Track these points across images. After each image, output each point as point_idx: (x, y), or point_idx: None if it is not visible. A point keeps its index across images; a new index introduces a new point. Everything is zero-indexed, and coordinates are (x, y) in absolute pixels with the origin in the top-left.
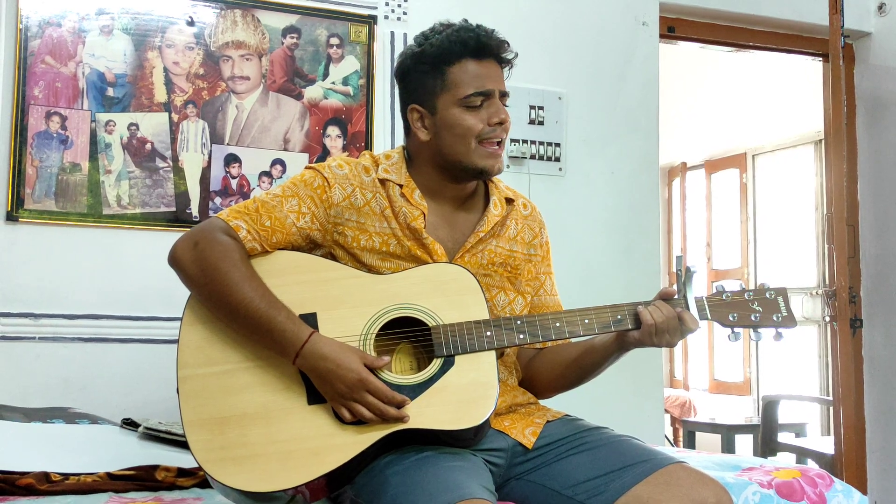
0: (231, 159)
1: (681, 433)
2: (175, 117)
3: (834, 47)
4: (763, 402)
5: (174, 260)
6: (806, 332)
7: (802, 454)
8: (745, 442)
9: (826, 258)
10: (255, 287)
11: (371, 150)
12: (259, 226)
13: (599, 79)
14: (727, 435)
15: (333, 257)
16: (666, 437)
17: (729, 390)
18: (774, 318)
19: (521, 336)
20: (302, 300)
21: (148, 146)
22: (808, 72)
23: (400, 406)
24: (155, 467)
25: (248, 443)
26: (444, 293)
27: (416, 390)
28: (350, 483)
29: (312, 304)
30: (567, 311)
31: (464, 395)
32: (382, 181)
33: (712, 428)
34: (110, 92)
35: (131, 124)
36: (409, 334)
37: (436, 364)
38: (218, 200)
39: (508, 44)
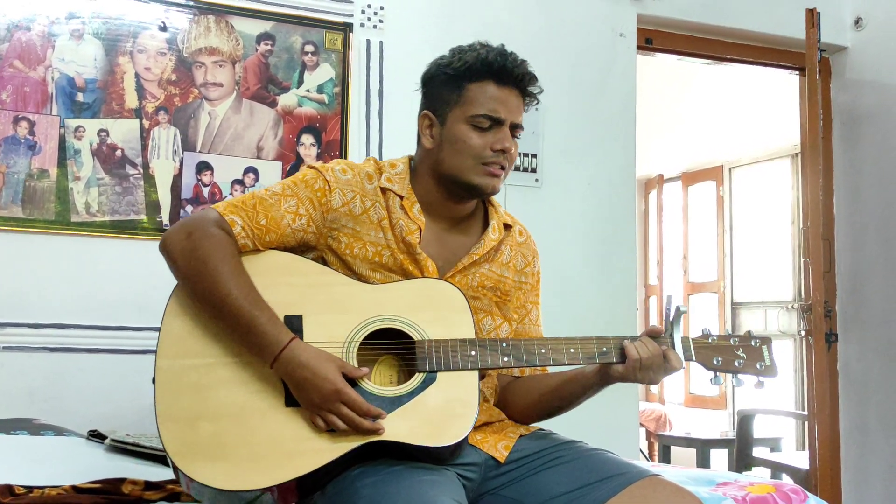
0: (203, 167)
1: (656, 447)
2: (146, 124)
3: (811, 61)
4: (738, 416)
5: (165, 247)
6: (781, 346)
7: (777, 469)
8: (720, 456)
9: (802, 272)
10: (241, 285)
11: (345, 158)
12: (254, 223)
13: (577, 89)
14: (702, 449)
15: (324, 261)
16: (641, 451)
17: (705, 404)
18: (757, 367)
19: (506, 359)
20: (289, 301)
21: (118, 153)
22: (784, 85)
23: (375, 418)
24: (121, 480)
25: (222, 440)
26: (433, 309)
27: (394, 403)
28: (321, 491)
29: (300, 306)
30: (553, 338)
31: (443, 412)
32: (384, 190)
33: (687, 442)
34: (80, 97)
35: (101, 130)
36: (393, 346)
37: (417, 379)
38: (189, 209)
39: (536, 78)
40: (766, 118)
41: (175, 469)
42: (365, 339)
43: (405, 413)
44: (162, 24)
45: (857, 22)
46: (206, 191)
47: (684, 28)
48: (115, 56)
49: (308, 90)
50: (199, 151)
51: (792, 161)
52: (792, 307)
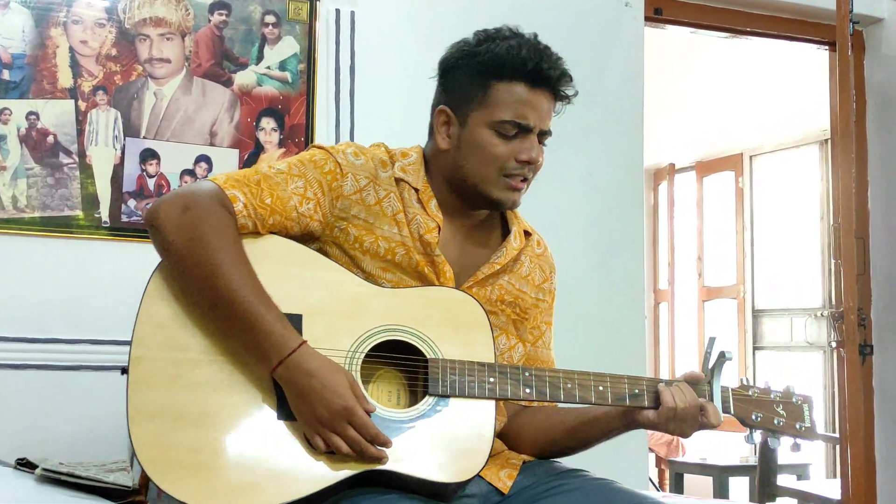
0: (148, 155)
1: (667, 475)
2: (82, 105)
3: (842, 34)
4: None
5: (154, 219)
6: (810, 359)
7: (805, 499)
8: (740, 485)
9: (832, 275)
10: (245, 275)
11: (312, 143)
12: (258, 201)
13: (575, 67)
14: (720, 477)
15: (327, 255)
16: (650, 479)
17: (722, 426)
18: (797, 427)
19: (528, 390)
20: (288, 297)
21: (50, 139)
22: (812, 62)
23: (382, 446)
24: None
25: (203, 450)
26: (450, 323)
27: (400, 427)
28: None
29: (299, 304)
30: (580, 372)
31: (454, 443)
32: (398, 181)
33: (703, 469)
34: (6, 75)
35: (30, 113)
36: (401, 361)
37: (428, 402)
38: (132, 203)
39: (571, 79)
40: (792, 100)
41: (145, 475)
42: (371, 350)
43: (411, 440)
44: None
45: None
46: (151, 182)
47: None
48: (46, 27)
49: (269, 67)
50: (144, 137)
51: (821, 148)
52: (821, 315)
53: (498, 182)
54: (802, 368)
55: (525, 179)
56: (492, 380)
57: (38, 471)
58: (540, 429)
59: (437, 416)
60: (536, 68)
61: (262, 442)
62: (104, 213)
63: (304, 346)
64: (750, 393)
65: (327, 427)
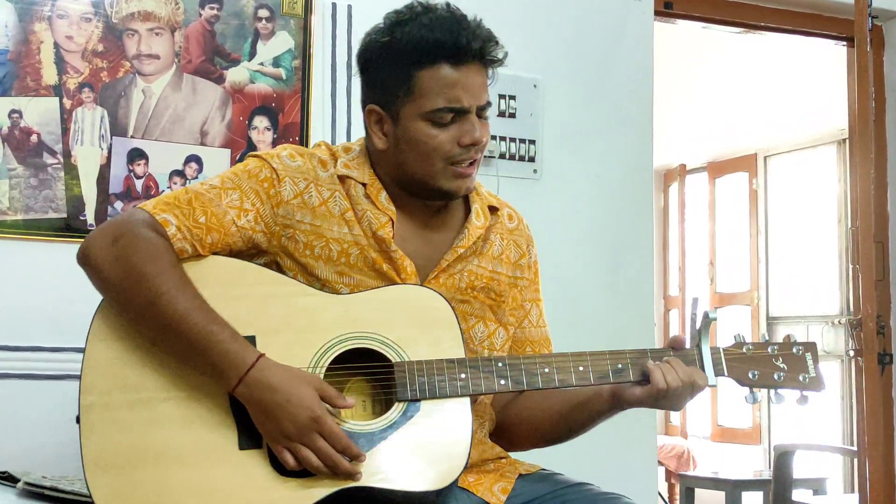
0: (136, 155)
1: (677, 490)
2: (67, 103)
3: (860, 29)
4: (775, 452)
5: (86, 257)
6: (826, 368)
7: None
8: (753, 500)
9: (850, 280)
10: (190, 297)
11: (307, 144)
12: (192, 222)
13: (582, 63)
14: (733, 492)
15: (279, 268)
16: (660, 494)
17: (735, 438)
18: (800, 379)
19: (503, 382)
20: (238, 319)
21: (33, 138)
22: (829, 58)
23: (354, 458)
24: None
25: (165, 492)
26: (413, 323)
27: (371, 439)
28: None
29: (251, 324)
30: (558, 354)
31: (429, 449)
32: (342, 178)
33: (715, 483)
34: None
35: (13, 111)
36: (366, 370)
37: (397, 409)
38: (119, 205)
39: (497, 41)
40: (808, 98)
41: None
42: (332, 362)
43: (384, 451)
44: None
45: None
46: (139, 184)
47: None
48: (29, 22)
49: (262, 63)
50: (132, 137)
51: (838, 148)
52: (838, 322)
53: (445, 172)
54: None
55: (473, 162)
56: (463, 376)
57: (20, 484)
58: (533, 418)
59: (409, 423)
60: (456, 45)
61: (226, 474)
62: (90, 215)
63: (262, 359)
64: (744, 350)
65: (296, 441)
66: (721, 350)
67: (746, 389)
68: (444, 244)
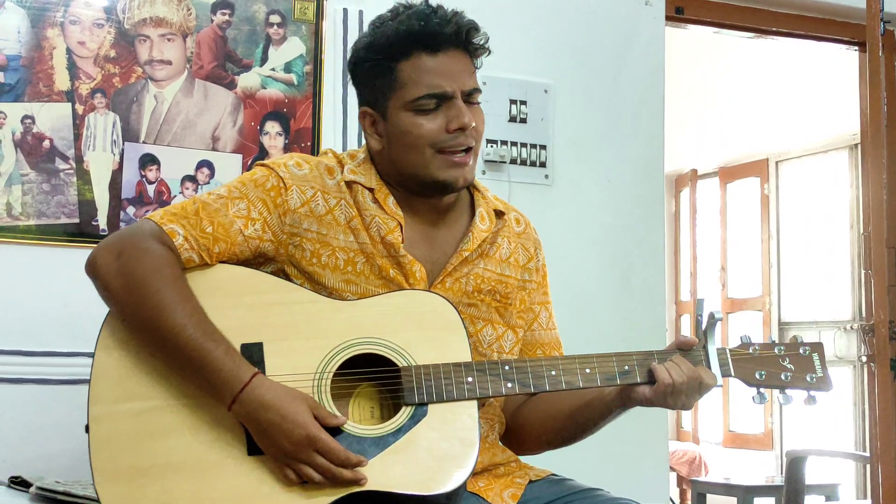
0: (147, 161)
1: (689, 495)
2: (80, 109)
3: (872, 34)
4: (787, 458)
5: (92, 269)
6: (839, 374)
7: None
8: None
9: (862, 286)
10: (189, 312)
11: (318, 149)
12: (199, 232)
13: (594, 68)
14: (745, 498)
15: (286, 276)
16: (671, 500)
17: (747, 444)
18: (808, 379)
19: (510, 385)
20: (245, 327)
21: (46, 144)
22: (841, 63)
23: (356, 467)
24: None
25: (172, 500)
26: (420, 327)
27: (379, 444)
28: None
29: (258, 332)
30: (565, 357)
31: (437, 452)
32: (349, 184)
33: (727, 489)
34: (0, 77)
35: (26, 117)
36: (373, 375)
37: (405, 413)
38: (131, 210)
39: (476, 28)
40: (819, 102)
41: None
42: (339, 367)
43: (392, 455)
44: None
45: None
46: (151, 189)
47: None
48: (42, 28)
49: (273, 69)
50: (144, 142)
51: (850, 153)
52: (851, 328)
53: (435, 161)
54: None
55: (468, 150)
56: (470, 379)
57: (32, 489)
58: (543, 419)
59: (417, 427)
60: (428, 32)
61: (234, 481)
62: (102, 220)
63: (256, 377)
64: (751, 351)
65: (293, 458)
66: (727, 350)
67: (754, 390)
68: (450, 247)
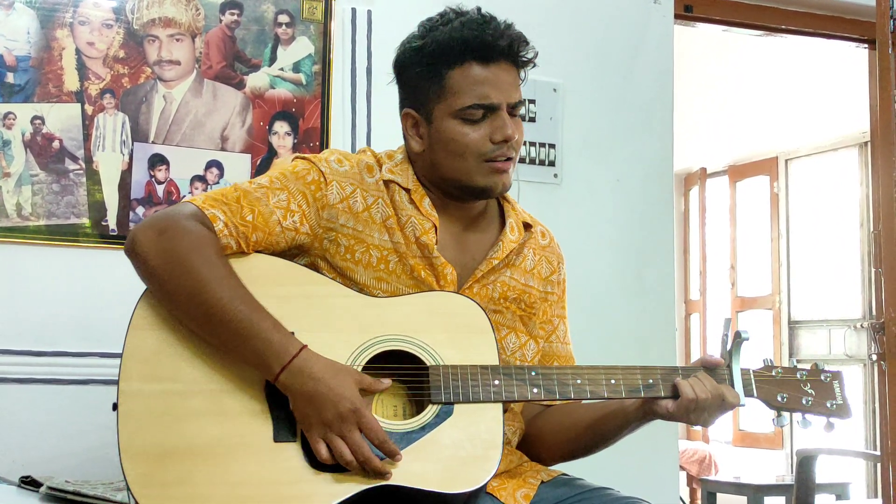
0: (157, 161)
1: (699, 494)
2: (89, 109)
3: (882, 31)
4: (798, 457)
5: (133, 247)
6: (849, 373)
7: None
8: None
9: (873, 284)
10: (234, 286)
11: (328, 148)
12: (239, 219)
13: (603, 67)
14: (755, 497)
15: (318, 270)
16: (681, 499)
17: (757, 443)
18: (828, 406)
19: (535, 390)
20: (279, 316)
21: (55, 144)
22: (851, 60)
23: (391, 456)
24: None
25: (196, 481)
26: (449, 329)
27: (404, 439)
28: None
29: (290, 322)
30: (590, 367)
31: (460, 451)
32: (387, 183)
33: (737, 488)
34: (10, 78)
35: (35, 117)
36: (400, 372)
37: (431, 411)
38: (140, 210)
39: (527, 41)
40: (829, 100)
41: None
42: (368, 363)
43: (416, 452)
44: None
45: None
46: (160, 189)
47: None
48: (51, 29)
49: (282, 69)
50: (153, 142)
51: (860, 151)
52: (861, 326)
53: (480, 169)
54: (847, 391)
55: (509, 159)
56: (496, 382)
57: (42, 489)
58: (561, 428)
59: (442, 425)
60: (482, 43)
61: (259, 466)
62: (112, 220)
63: (305, 349)
64: (773, 373)
65: (334, 431)
66: (751, 371)
67: (774, 412)
68: (480, 254)
